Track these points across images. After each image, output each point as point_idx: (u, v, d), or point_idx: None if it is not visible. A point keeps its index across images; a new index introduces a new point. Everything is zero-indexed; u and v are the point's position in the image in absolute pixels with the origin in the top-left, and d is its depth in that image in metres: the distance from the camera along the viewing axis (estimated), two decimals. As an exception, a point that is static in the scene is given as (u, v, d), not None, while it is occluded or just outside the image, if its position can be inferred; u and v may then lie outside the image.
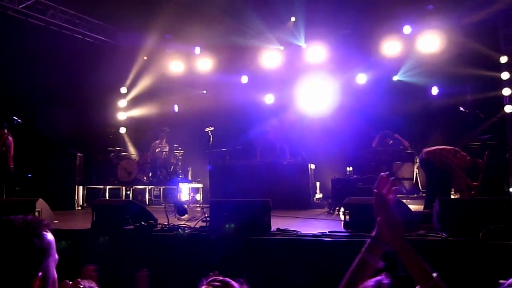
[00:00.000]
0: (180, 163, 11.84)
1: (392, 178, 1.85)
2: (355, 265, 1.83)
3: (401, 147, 10.19)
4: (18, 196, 8.92)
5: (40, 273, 1.33)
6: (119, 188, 11.44)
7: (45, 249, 1.36)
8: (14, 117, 8.83)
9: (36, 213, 5.80)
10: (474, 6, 10.46)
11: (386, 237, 1.78)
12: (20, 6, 10.72)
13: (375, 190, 1.83)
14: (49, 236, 1.40)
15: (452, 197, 7.51)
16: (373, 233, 1.84)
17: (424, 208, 7.00)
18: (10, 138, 8.96)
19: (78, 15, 12.15)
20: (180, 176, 11.57)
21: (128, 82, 13.88)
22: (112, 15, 11.93)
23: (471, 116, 9.09)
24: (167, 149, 11.95)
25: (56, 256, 1.42)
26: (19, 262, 1.29)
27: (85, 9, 12.05)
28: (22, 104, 10.27)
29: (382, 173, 1.89)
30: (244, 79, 13.07)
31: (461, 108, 8.61)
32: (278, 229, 5.27)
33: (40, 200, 6.19)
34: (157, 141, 12.27)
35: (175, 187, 10.93)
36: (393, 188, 1.84)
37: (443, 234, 4.53)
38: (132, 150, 13.94)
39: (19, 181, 10.11)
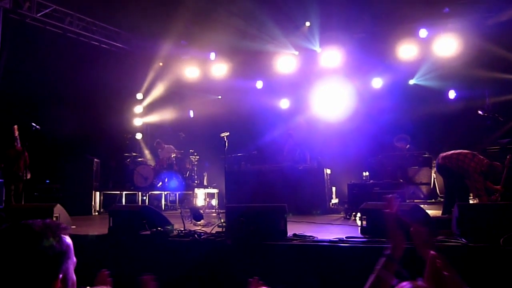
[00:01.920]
0: (195, 169, 11.85)
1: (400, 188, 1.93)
2: (370, 283, 1.87)
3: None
4: (36, 201, 9.00)
5: (60, 275, 1.35)
6: (136, 193, 11.53)
7: (64, 251, 1.39)
8: (33, 124, 8.91)
9: (54, 219, 5.86)
10: (491, 8, 10.33)
11: (417, 246, 1.83)
12: (38, 15, 10.90)
13: (387, 212, 1.90)
14: (68, 239, 1.43)
15: (471, 202, 7.38)
16: (387, 251, 1.90)
17: (443, 213, 6.91)
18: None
19: (95, 22, 12.33)
20: (196, 182, 11.58)
21: (144, 88, 14.03)
22: (128, 22, 12.07)
23: (490, 120, 8.94)
24: (174, 150, 11.82)
25: (75, 259, 1.44)
26: (40, 265, 1.31)
27: (102, 17, 12.22)
28: (39, 110, 10.41)
29: (389, 196, 1.96)
30: (259, 84, 13.10)
31: (480, 112, 8.49)
32: (294, 235, 5.22)
33: (58, 205, 6.25)
34: (159, 150, 12.34)
35: (191, 192, 10.96)
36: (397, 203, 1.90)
37: (463, 240, 4.43)
38: (148, 155, 14.04)
39: (37, 186, 10.24)
